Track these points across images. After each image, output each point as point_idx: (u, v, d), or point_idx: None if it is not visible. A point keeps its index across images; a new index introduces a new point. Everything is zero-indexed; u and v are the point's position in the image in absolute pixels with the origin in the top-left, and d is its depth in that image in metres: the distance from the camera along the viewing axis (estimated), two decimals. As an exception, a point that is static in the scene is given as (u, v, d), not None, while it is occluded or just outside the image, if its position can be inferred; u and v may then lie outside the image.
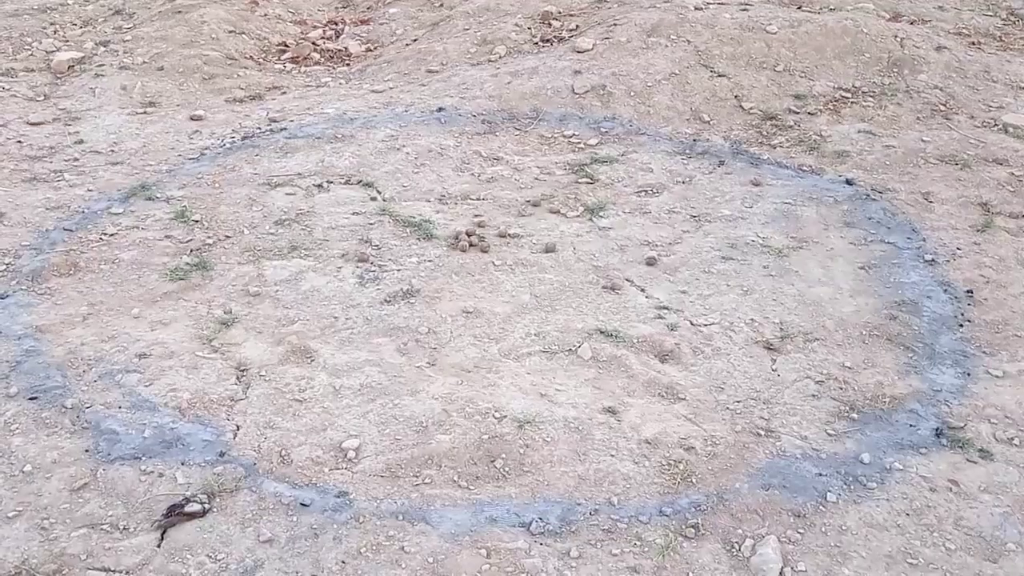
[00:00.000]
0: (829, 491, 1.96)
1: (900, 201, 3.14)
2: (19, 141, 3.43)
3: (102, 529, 1.82)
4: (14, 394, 2.16)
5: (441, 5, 5.05)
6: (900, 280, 2.72)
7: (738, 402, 2.23)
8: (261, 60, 4.54)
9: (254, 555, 1.77)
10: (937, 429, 2.15)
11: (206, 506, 1.86)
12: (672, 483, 1.98)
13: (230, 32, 4.60)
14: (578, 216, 3.04)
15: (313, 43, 4.74)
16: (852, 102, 3.82)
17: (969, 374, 2.34)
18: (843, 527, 1.87)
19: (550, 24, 4.56)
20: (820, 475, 2.00)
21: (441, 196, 3.15)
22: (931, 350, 2.42)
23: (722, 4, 4.49)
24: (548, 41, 4.39)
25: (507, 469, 2.00)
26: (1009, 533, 1.87)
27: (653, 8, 4.40)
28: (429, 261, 2.74)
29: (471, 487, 1.95)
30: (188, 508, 1.85)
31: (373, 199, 3.11)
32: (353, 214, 3.00)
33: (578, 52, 4.11)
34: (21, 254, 2.71)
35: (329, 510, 1.87)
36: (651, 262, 2.78)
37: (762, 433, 2.13)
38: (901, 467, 2.03)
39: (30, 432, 2.05)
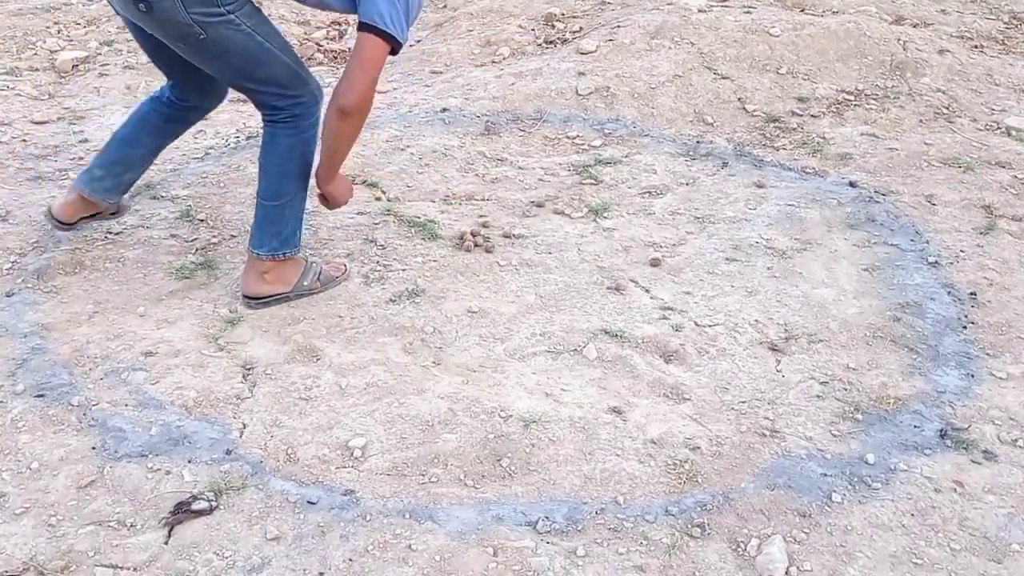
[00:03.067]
0: (834, 491, 1.96)
1: (903, 203, 3.15)
2: (24, 140, 3.44)
3: (109, 526, 1.82)
4: (21, 392, 2.16)
5: (444, 6, 5.06)
6: (904, 282, 2.72)
7: (743, 402, 2.24)
8: (265, 60, 4.54)
9: (261, 552, 1.77)
10: (941, 430, 2.15)
11: (213, 504, 1.87)
12: (678, 483, 1.98)
13: (234, 32, 4.61)
14: (582, 217, 3.05)
15: (317, 44, 4.75)
16: (855, 105, 3.83)
17: (973, 376, 2.35)
18: (848, 527, 1.88)
19: (553, 26, 4.57)
20: (825, 475, 2.01)
21: (446, 196, 3.15)
22: (935, 352, 2.43)
23: (725, 7, 4.50)
24: (552, 43, 4.41)
25: (513, 468, 2.00)
26: (1014, 534, 1.87)
27: (656, 10, 4.41)
28: (434, 261, 2.75)
29: (477, 486, 1.96)
30: (195, 506, 1.85)
31: (378, 199, 3.11)
32: (358, 214, 3.00)
33: (582, 54, 4.12)
34: (27, 252, 2.71)
35: (336, 508, 1.87)
36: (655, 263, 2.79)
37: (767, 433, 2.13)
38: (906, 468, 2.04)
39: (37, 429, 2.05)
